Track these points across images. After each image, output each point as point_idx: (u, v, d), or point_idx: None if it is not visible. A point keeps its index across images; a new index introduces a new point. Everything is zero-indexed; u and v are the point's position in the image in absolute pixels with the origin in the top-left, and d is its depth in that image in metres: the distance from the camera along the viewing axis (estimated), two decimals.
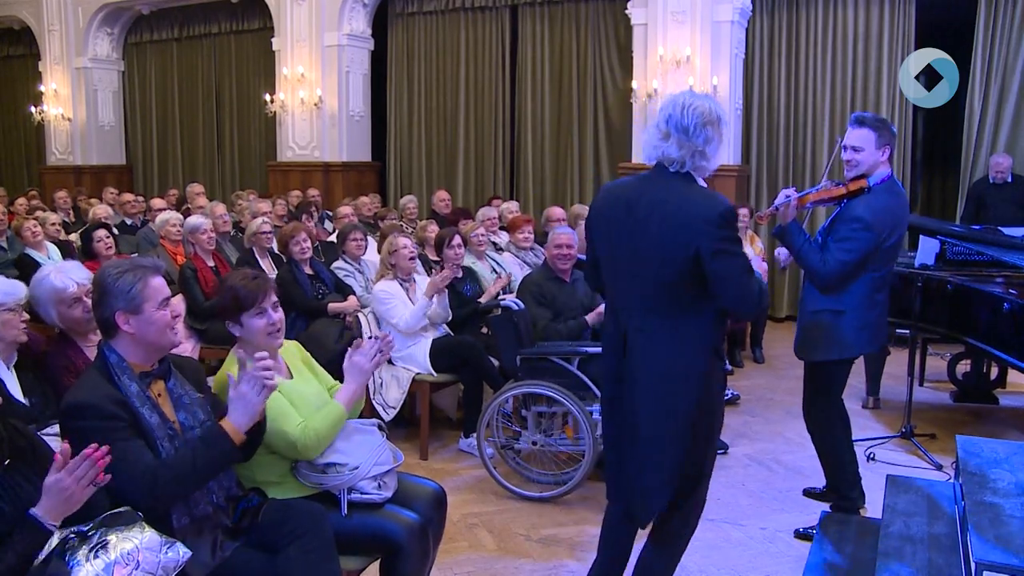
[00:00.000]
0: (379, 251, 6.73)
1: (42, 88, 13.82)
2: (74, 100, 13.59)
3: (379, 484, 2.92)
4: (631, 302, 2.85)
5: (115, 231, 7.46)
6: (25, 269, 6.52)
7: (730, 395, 6.03)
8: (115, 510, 2.23)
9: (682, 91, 3.03)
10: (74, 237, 7.87)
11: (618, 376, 2.89)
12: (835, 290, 3.80)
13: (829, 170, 4.39)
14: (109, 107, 13.87)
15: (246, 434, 2.51)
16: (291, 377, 3.00)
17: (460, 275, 5.76)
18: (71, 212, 10.22)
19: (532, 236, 7.00)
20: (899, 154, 8.70)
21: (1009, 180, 7.91)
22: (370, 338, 3.08)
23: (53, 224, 7.55)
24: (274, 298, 2.97)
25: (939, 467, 4.86)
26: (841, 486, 4.05)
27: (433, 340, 5.25)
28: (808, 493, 4.55)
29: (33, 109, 13.85)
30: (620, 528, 3.11)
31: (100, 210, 8.10)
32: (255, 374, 2.48)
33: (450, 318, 5.42)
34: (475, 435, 5.07)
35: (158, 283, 2.56)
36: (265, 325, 2.92)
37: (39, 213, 7.76)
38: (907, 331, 5.51)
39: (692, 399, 2.81)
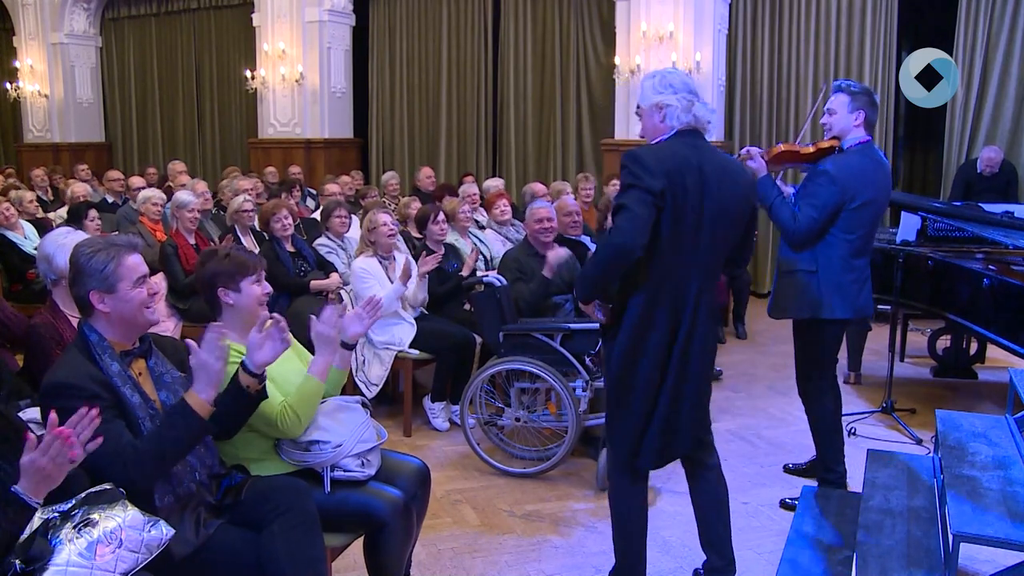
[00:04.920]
0: (362, 228, 6.74)
1: (17, 64, 13.62)
2: (51, 76, 13.40)
3: (362, 462, 2.91)
4: (697, 264, 2.93)
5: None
6: (2, 250, 6.46)
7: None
8: (97, 487, 2.22)
9: (661, 68, 3.14)
10: (53, 215, 7.79)
11: (676, 336, 2.96)
12: (806, 248, 3.86)
13: (799, 139, 4.52)
14: (87, 83, 13.68)
15: (248, 401, 2.54)
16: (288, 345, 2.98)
17: (442, 252, 5.74)
18: (48, 190, 10.10)
19: (509, 210, 6.99)
20: (881, 130, 8.73)
21: (997, 171, 7.97)
22: (328, 304, 3.07)
23: (31, 202, 7.46)
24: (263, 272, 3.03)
25: (919, 441, 4.91)
26: (827, 458, 4.09)
27: (422, 325, 5.26)
28: (789, 469, 4.59)
29: (8, 86, 13.65)
30: (704, 475, 3.31)
31: (79, 188, 7.99)
32: (276, 330, 2.54)
33: (427, 302, 5.43)
34: (442, 403, 5.27)
35: (133, 261, 2.53)
36: (261, 293, 2.95)
37: (12, 192, 7.65)
38: (888, 307, 5.55)
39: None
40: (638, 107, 3.08)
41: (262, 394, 2.63)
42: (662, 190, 2.77)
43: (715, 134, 8.78)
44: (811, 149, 3.96)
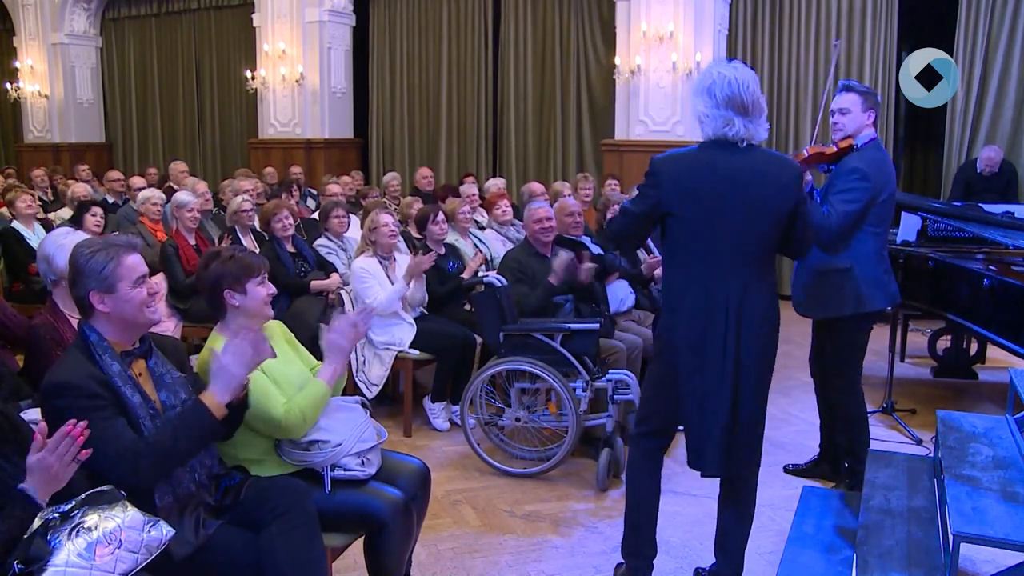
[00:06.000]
0: (362, 228, 6.74)
1: (17, 64, 13.62)
2: (51, 77, 13.42)
3: (362, 461, 2.91)
4: (733, 262, 2.93)
5: None
6: (9, 243, 6.48)
7: None
8: (97, 488, 2.21)
9: (721, 65, 3.00)
10: (54, 216, 7.79)
11: (711, 335, 2.93)
12: (838, 247, 3.89)
13: (815, 137, 4.52)
14: (87, 84, 13.69)
15: (229, 411, 2.50)
16: (274, 356, 2.99)
17: (443, 252, 5.74)
18: (48, 191, 10.10)
19: (510, 210, 6.99)
20: (881, 130, 8.72)
21: (996, 171, 7.97)
22: (342, 315, 3.07)
23: (34, 200, 7.48)
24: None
25: (919, 441, 4.90)
26: (860, 450, 4.10)
27: (422, 326, 5.26)
28: (789, 470, 4.58)
29: (8, 86, 13.65)
30: (741, 486, 3.20)
31: (79, 188, 7.99)
32: (250, 339, 2.49)
33: (426, 301, 5.43)
34: (442, 403, 5.29)
35: (132, 261, 2.52)
36: (266, 294, 2.95)
37: (17, 191, 7.66)
38: (888, 307, 5.55)
39: (776, 349, 3.08)
40: None
41: (245, 402, 2.64)
42: (658, 199, 2.92)
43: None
44: (834, 149, 4.00)
